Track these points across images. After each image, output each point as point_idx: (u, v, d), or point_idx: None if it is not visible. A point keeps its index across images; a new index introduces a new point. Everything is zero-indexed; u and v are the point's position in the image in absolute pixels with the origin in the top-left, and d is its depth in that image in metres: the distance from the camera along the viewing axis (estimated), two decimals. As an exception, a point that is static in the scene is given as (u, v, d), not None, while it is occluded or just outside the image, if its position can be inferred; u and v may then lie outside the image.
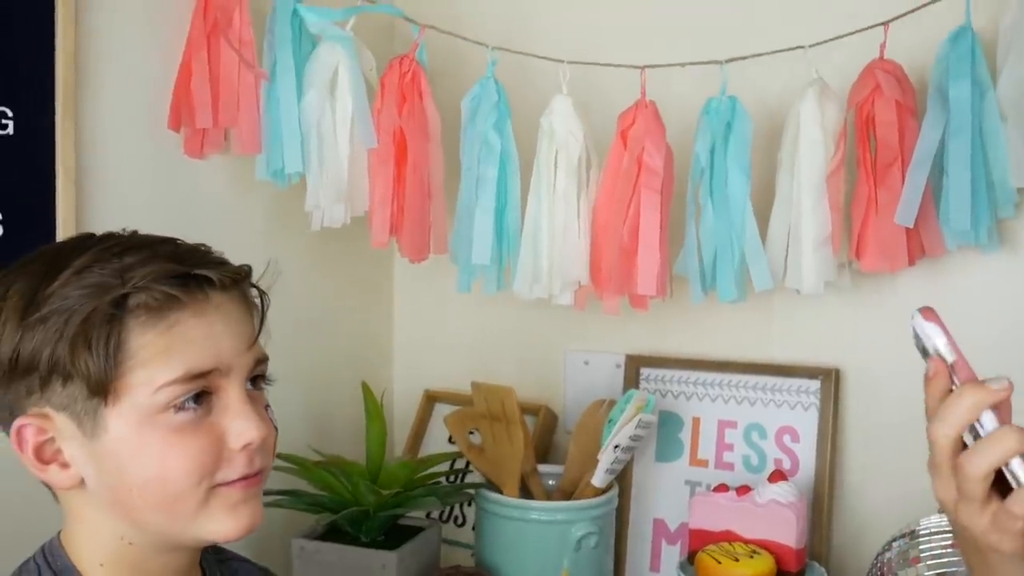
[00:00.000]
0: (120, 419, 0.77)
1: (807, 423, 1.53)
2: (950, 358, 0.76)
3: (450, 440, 1.72)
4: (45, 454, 0.79)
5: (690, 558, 1.41)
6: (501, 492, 1.46)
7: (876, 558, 1.35)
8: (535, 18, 1.63)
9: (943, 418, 0.74)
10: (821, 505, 1.49)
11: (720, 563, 1.33)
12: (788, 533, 1.37)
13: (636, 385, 1.62)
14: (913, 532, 1.32)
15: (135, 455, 0.77)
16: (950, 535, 1.29)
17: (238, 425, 0.80)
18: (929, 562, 1.28)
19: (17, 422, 0.78)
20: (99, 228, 1.25)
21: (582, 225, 1.41)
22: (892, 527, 1.36)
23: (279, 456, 1.43)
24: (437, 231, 1.48)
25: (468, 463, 1.68)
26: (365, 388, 1.55)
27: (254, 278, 0.88)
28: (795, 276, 1.37)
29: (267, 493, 1.41)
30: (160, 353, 0.76)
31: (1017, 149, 1.29)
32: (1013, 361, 1.29)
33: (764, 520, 1.38)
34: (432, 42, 1.46)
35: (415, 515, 1.53)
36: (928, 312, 0.77)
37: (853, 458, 1.53)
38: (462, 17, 1.58)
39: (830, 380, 1.51)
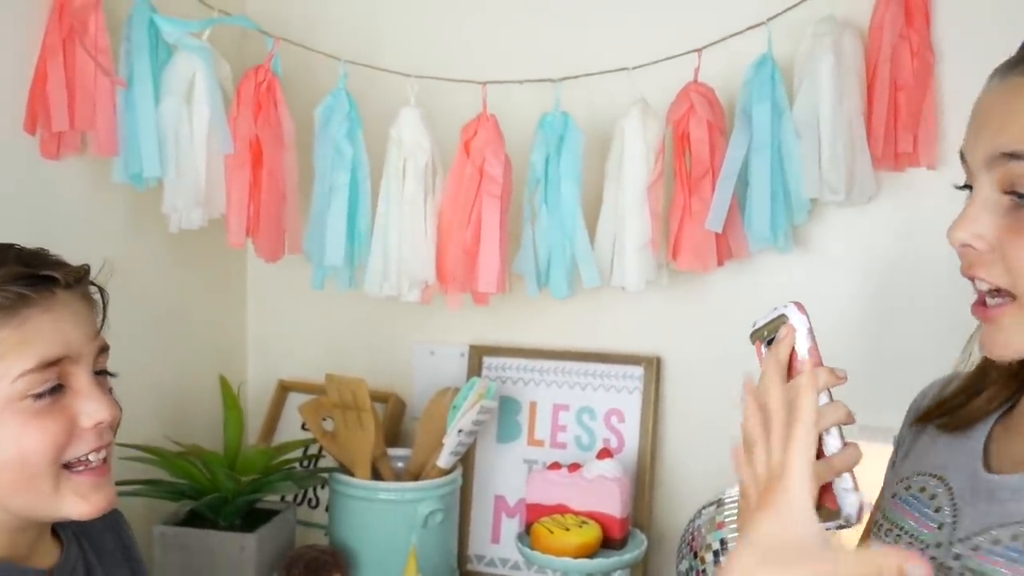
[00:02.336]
0: None
1: (632, 405, 1.69)
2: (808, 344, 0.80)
3: (303, 427, 1.81)
4: None
5: (527, 529, 1.55)
6: (353, 475, 1.57)
7: (688, 524, 1.52)
8: (385, 32, 1.72)
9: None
10: (643, 479, 1.66)
11: (552, 532, 1.48)
12: (613, 504, 1.52)
13: (479, 373, 1.75)
14: (720, 501, 1.50)
15: None
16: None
17: (91, 406, 0.90)
18: (732, 526, 1.46)
19: None
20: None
21: (428, 228, 1.52)
22: (703, 497, 1.54)
23: (138, 447, 1.50)
24: (291, 232, 1.56)
25: (321, 449, 1.77)
26: (223, 380, 1.62)
27: (92, 276, 0.98)
28: (620, 275, 1.53)
29: (127, 483, 1.49)
30: (15, 346, 0.86)
31: (809, 164, 1.47)
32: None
33: (592, 494, 1.54)
34: (286, 52, 1.54)
35: (271, 499, 1.62)
36: (800, 306, 0.83)
37: (672, 436, 1.70)
38: (315, 29, 1.66)
39: (652, 367, 1.68)
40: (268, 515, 1.56)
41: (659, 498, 1.69)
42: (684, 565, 1.50)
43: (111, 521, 1.11)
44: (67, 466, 0.91)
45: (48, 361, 0.87)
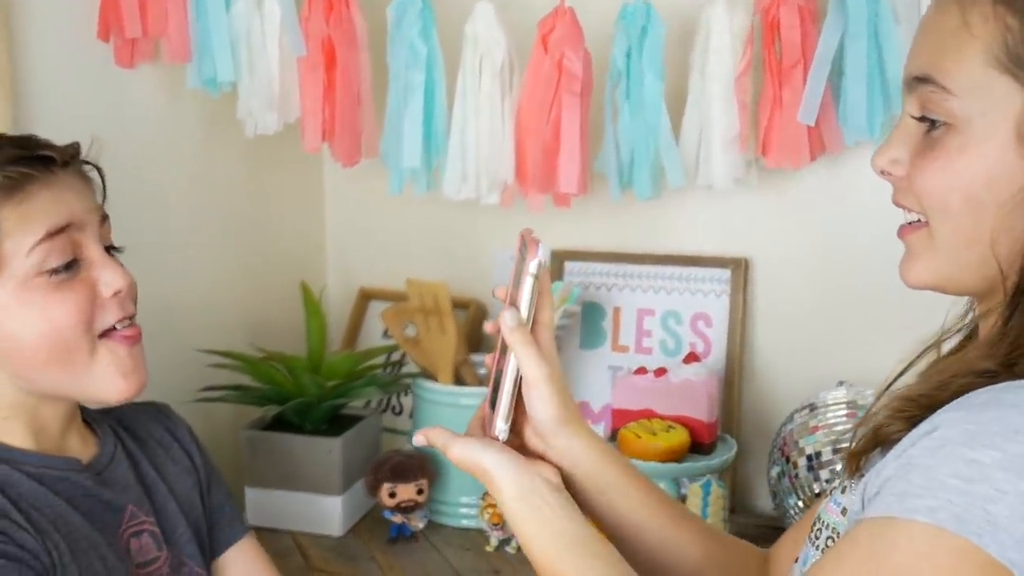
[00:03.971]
0: (2, 287, 0.88)
1: (719, 309, 1.65)
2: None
3: (385, 335, 1.81)
4: None
5: (612, 435, 1.53)
6: (436, 380, 1.56)
7: (780, 429, 1.49)
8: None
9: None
10: (732, 383, 1.62)
11: (639, 437, 1.45)
12: (701, 409, 1.49)
13: (560, 278, 1.71)
14: (813, 405, 1.46)
15: (22, 317, 0.88)
16: (844, 405, 1.43)
17: (106, 275, 0.92)
18: (826, 430, 1.42)
19: None
20: (32, 127, 1.29)
21: (506, 128, 1.48)
22: (794, 402, 1.50)
23: (224, 353, 1.51)
24: (368, 135, 1.54)
25: (404, 355, 1.77)
26: (304, 287, 1.62)
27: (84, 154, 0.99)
28: (706, 173, 1.47)
29: (213, 388, 1.50)
30: (21, 221, 0.88)
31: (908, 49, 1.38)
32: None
33: (679, 398, 1.50)
34: (357, -50, 1.50)
35: (355, 406, 1.63)
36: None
37: (760, 340, 1.65)
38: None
39: (740, 269, 1.63)
40: (353, 421, 1.57)
41: (748, 403, 1.65)
42: (775, 471, 1.47)
43: (154, 413, 1.12)
44: (102, 337, 0.92)
45: (55, 229, 0.89)
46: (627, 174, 1.48)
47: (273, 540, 1.49)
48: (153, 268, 1.52)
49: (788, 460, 1.44)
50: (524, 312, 0.83)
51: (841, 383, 1.47)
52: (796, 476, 1.42)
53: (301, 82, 1.48)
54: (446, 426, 1.47)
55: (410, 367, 1.73)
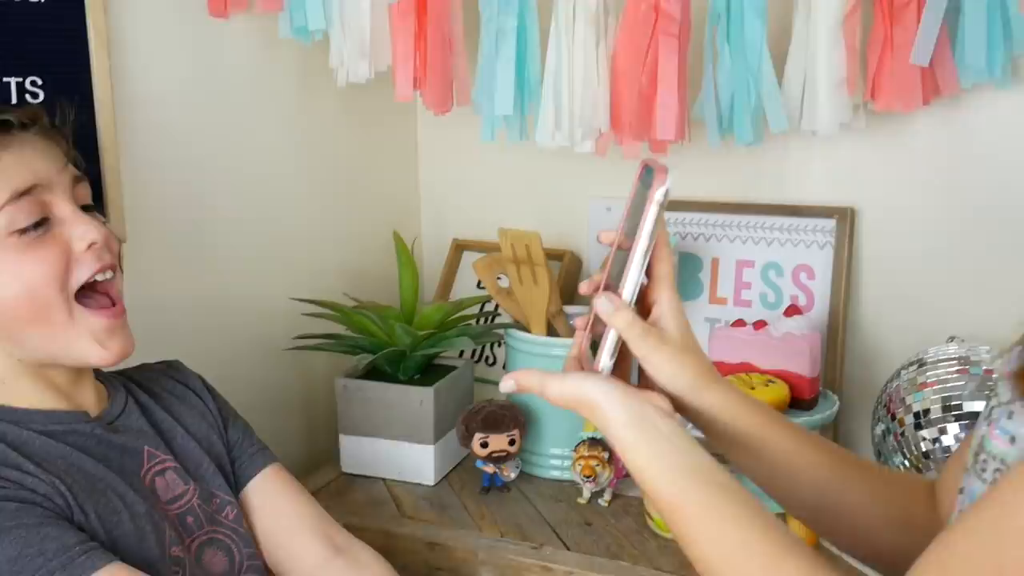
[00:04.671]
0: None
1: (822, 261, 1.58)
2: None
3: (478, 286, 1.80)
4: None
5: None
6: (528, 331, 1.54)
7: (885, 385, 1.43)
8: None
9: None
10: (835, 338, 1.57)
11: (736, 392, 1.41)
12: (802, 363, 1.44)
13: (657, 228, 1.67)
14: (921, 360, 1.39)
15: None
16: (956, 362, 1.37)
17: (79, 229, 0.92)
18: (936, 386, 1.35)
19: None
20: (131, 89, 1.31)
21: (601, 73, 1.43)
22: (901, 357, 1.43)
23: (318, 303, 1.52)
24: (460, 82, 1.51)
25: (497, 306, 1.76)
26: (396, 237, 1.62)
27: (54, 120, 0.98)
28: (811, 118, 1.40)
29: (308, 337, 1.51)
30: None
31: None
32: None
33: (779, 352, 1.46)
34: None
35: (449, 356, 1.62)
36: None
37: (865, 293, 1.59)
38: None
39: (845, 219, 1.56)
40: (446, 371, 1.56)
41: (852, 358, 1.59)
42: (880, 428, 1.41)
43: (165, 369, 1.13)
44: (80, 301, 0.92)
45: (20, 191, 0.88)
46: (727, 120, 1.43)
47: (367, 488, 1.50)
48: (249, 219, 1.53)
49: (894, 418, 1.38)
50: (643, 249, 0.78)
51: (952, 338, 1.40)
52: (902, 434, 1.37)
53: (392, 29, 1.46)
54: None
55: (504, 318, 1.72)
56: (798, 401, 1.44)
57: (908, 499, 0.88)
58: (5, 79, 1.21)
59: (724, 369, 1.48)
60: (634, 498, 1.43)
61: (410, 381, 1.52)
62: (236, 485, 1.10)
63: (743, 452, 0.85)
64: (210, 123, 1.45)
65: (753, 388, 1.40)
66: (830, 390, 1.52)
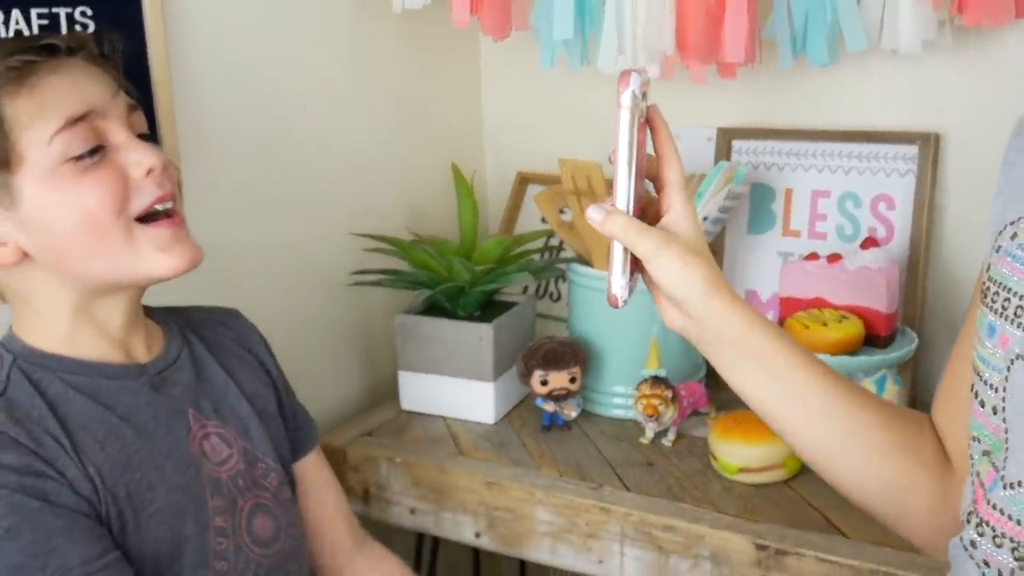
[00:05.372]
0: (30, 182, 0.85)
1: (903, 190, 1.49)
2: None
3: (543, 220, 1.75)
4: None
5: (780, 325, 1.43)
6: (591, 266, 1.49)
7: (968, 321, 1.35)
8: None
9: None
10: (915, 271, 1.48)
11: (808, 328, 1.35)
12: (878, 298, 1.37)
13: (728, 158, 1.60)
14: (1008, 295, 1.31)
15: (54, 207, 0.86)
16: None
17: (134, 155, 0.88)
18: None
19: None
20: (184, 20, 1.28)
21: (666, -8, 1.36)
22: (986, 291, 1.35)
23: (376, 237, 1.49)
24: (518, 6, 1.45)
25: (562, 241, 1.71)
26: (455, 169, 1.57)
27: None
28: (891, 35, 1.31)
29: (367, 272, 1.49)
30: (36, 112, 0.84)
31: None
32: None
33: (854, 286, 1.38)
34: None
35: (511, 292, 1.58)
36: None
37: (950, 225, 1.49)
38: None
39: (928, 145, 1.47)
40: (507, 307, 1.53)
41: (933, 293, 1.51)
42: (960, 366, 1.34)
43: (224, 317, 1.11)
44: (137, 221, 0.89)
45: (74, 117, 0.85)
46: (800, 39, 1.34)
47: (425, 425, 1.48)
48: (306, 153, 1.50)
49: (977, 355, 1.31)
50: (624, 156, 0.77)
51: (1042, 271, 1.31)
52: (985, 373, 1.29)
53: (448, -50, 1.41)
54: (601, 316, 1.42)
55: (568, 253, 1.67)
56: (873, 338, 1.37)
57: (918, 431, 0.83)
58: (54, 9, 1.18)
59: (795, 305, 1.42)
60: (699, 438, 1.38)
61: (470, 317, 1.49)
62: (291, 455, 1.09)
63: (750, 369, 0.81)
64: (265, 55, 1.41)
65: (826, 324, 1.34)
66: (908, 327, 1.44)
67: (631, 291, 0.80)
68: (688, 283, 0.78)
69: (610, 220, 0.78)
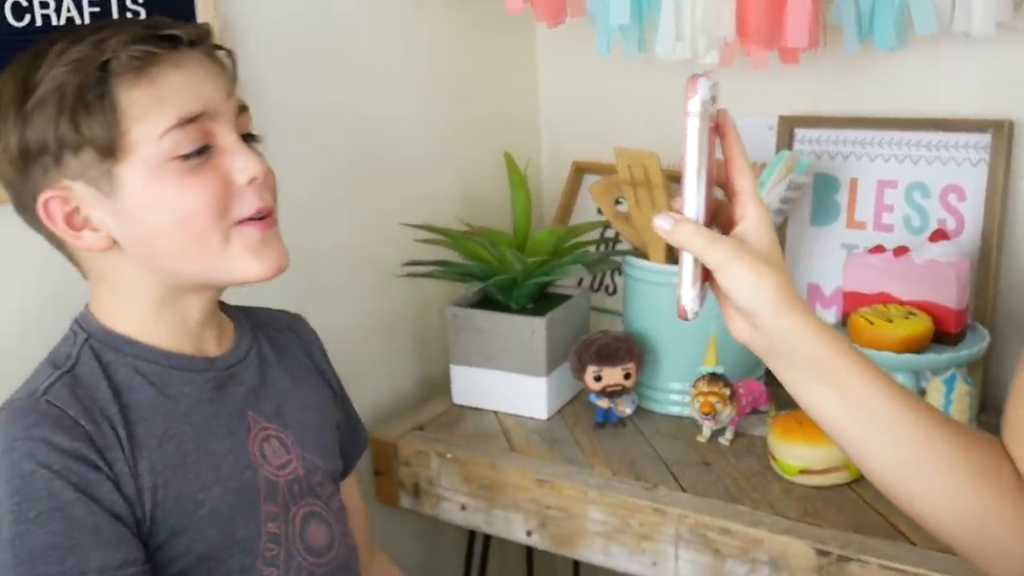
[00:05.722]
0: (133, 174, 0.83)
1: (975, 180, 1.43)
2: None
3: (599, 211, 1.71)
4: (75, 222, 0.85)
5: (844, 321, 1.38)
6: (646, 259, 1.45)
7: (1044, 318, 1.29)
8: None
9: None
10: (987, 266, 1.42)
11: (873, 324, 1.29)
12: (948, 293, 1.31)
13: (790, 147, 1.55)
14: (1087, 290, 1.25)
15: (155, 203, 0.84)
16: None
17: (240, 161, 0.86)
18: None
19: (42, 197, 0.84)
20: (234, 4, 1.26)
21: (726, -25, 1.31)
22: (1064, 286, 1.29)
23: (428, 228, 1.47)
24: (574, -9, 1.42)
25: (618, 233, 1.67)
26: (508, 158, 1.54)
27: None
28: (963, 17, 1.25)
29: (418, 263, 1.46)
30: (152, 105, 0.82)
31: None
32: None
33: (922, 281, 1.33)
34: None
35: (565, 284, 1.55)
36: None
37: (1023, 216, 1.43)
38: None
39: (1002, 133, 1.40)
40: (561, 300, 1.49)
41: (1006, 288, 1.44)
42: (1035, 365, 1.28)
43: (290, 322, 1.09)
44: (236, 225, 0.88)
45: (188, 117, 0.83)
46: (867, 22, 1.29)
47: (477, 419, 1.45)
48: (358, 141, 1.48)
49: (1053, 354, 1.24)
50: (693, 165, 0.74)
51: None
52: (1062, 372, 1.23)
53: (501, -65, 1.37)
54: (657, 310, 1.39)
55: (624, 245, 1.63)
56: (942, 335, 1.31)
57: (995, 456, 0.78)
58: (106, -4, 1.17)
59: (860, 300, 1.36)
60: (758, 437, 1.34)
61: (522, 310, 1.46)
62: (343, 469, 1.08)
63: (820, 388, 0.77)
64: (318, 43, 1.40)
65: (891, 320, 1.29)
66: (980, 323, 1.38)
67: (702, 302, 0.77)
68: (760, 295, 0.75)
69: (679, 229, 0.75)
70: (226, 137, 0.87)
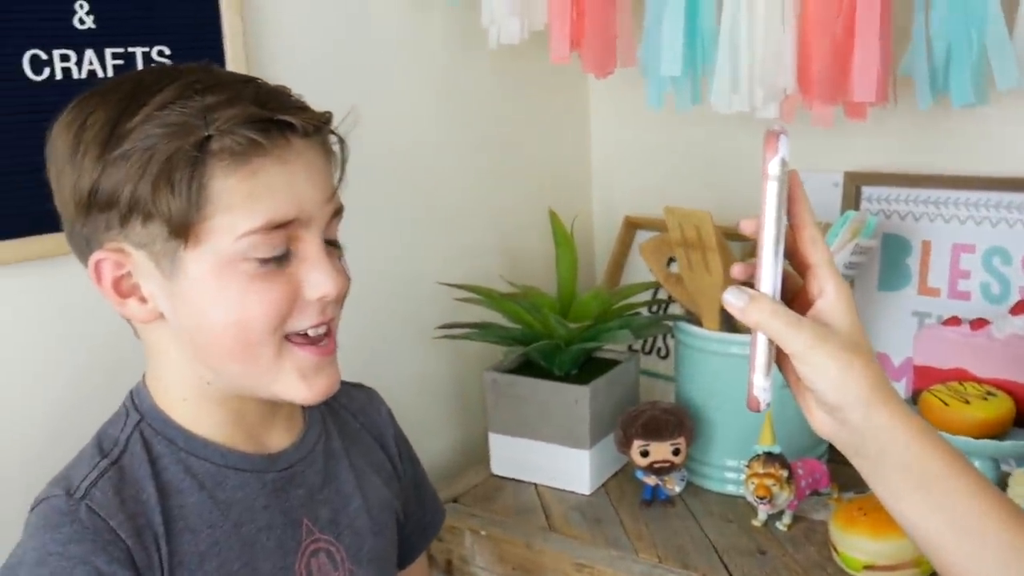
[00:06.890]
0: (200, 263, 0.75)
1: (1062, 245, 1.32)
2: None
3: (651, 271, 1.62)
4: (123, 288, 0.78)
5: (914, 398, 1.27)
6: (701, 325, 1.36)
7: None
8: None
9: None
10: (1075, 339, 1.30)
11: (948, 405, 1.18)
12: (1031, 372, 1.19)
13: (856, 206, 1.45)
14: None
15: (214, 299, 0.76)
16: None
17: (316, 277, 0.78)
18: None
19: (94, 256, 0.77)
20: (268, 57, 1.21)
21: (787, 25, 1.22)
22: None
23: (467, 287, 1.39)
24: (623, 41, 1.34)
25: (671, 295, 1.58)
26: (552, 214, 1.46)
27: (335, 125, 0.83)
28: (1050, 71, 1.15)
29: (457, 325, 1.39)
30: (243, 200, 0.74)
31: None
32: None
33: (1003, 357, 1.21)
34: None
35: (615, 347, 1.46)
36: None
37: (1118, 285, 1.31)
38: None
39: (1092, 195, 1.29)
40: (609, 365, 1.40)
41: (1097, 364, 1.32)
42: None
43: (363, 399, 1.01)
44: (287, 338, 0.79)
45: (277, 223, 0.75)
46: (942, 76, 1.19)
47: (516, 492, 1.36)
48: (396, 193, 1.42)
49: None
50: (771, 234, 0.66)
51: None
52: None
53: (548, -17, 1.31)
54: (710, 380, 1.29)
55: (676, 307, 1.54)
56: (1025, 417, 1.19)
57: None
58: (130, 49, 1.12)
59: (933, 375, 1.25)
60: (819, 523, 1.23)
61: (566, 377, 1.37)
62: (399, 563, 1.01)
63: (913, 494, 0.68)
64: (353, 94, 1.32)
65: (968, 401, 1.17)
66: (1068, 402, 1.26)
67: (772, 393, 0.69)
68: (847, 388, 0.66)
69: (755, 307, 0.66)
70: (310, 247, 0.78)
